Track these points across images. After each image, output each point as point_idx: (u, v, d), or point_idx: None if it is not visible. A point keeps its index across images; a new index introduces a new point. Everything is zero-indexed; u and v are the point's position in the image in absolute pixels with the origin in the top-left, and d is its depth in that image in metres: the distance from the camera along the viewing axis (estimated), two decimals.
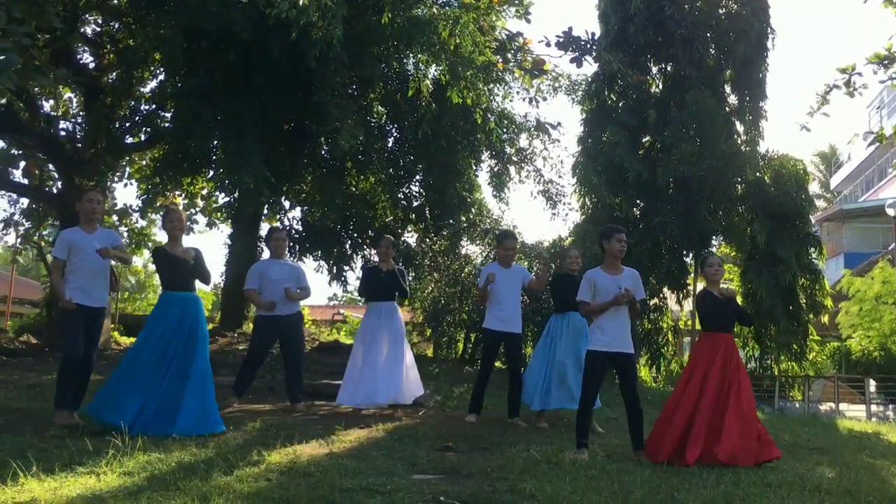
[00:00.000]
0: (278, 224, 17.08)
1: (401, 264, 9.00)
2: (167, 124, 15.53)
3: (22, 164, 16.40)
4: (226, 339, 15.16)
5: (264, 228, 18.04)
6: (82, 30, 15.79)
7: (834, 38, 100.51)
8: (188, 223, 7.27)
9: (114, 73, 16.16)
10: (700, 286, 17.87)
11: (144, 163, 18.05)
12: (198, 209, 19.12)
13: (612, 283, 6.42)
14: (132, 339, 18.48)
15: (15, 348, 12.53)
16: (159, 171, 15.97)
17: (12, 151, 16.27)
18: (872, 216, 30.90)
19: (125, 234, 20.61)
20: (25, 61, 8.90)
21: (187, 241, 7.00)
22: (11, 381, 8.88)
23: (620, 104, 17.31)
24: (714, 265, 6.79)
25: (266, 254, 17.73)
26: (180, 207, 7.43)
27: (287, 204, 17.82)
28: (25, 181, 16.88)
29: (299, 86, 13.45)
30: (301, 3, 10.15)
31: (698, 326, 6.93)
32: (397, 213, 17.13)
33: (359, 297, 8.93)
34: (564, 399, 7.92)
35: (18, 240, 20.30)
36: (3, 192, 17.73)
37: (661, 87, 17.72)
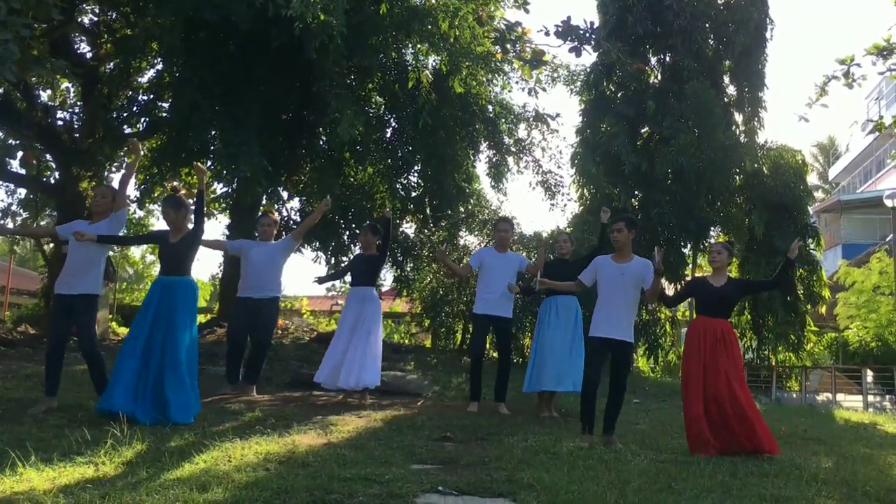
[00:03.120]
0: (272, 211, 17.02)
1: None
2: (165, 114, 15.48)
3: (19, 154, 16.34)
4: (223, 329, 15.15)
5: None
6: (80, 19, 15.72)
7: (833, 29, 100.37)
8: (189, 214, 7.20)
9: (111, 63, 16.09)
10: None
11: (142, 153, 17.98)
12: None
13: (615, 270, 6.59)
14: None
15: (13, 338, 12.52)
16: (157, 161, 15.92)
17: (10, 142, 16.22)
18: (870, 207, 30.93)
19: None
20: (24, 52, 8.87)
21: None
22: (10, 371, 8.88)
23: (619, 95, 17.31)
24: (713, 252, 6.80)
25: None
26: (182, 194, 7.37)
27: (285, 194, 17.79)
28: (23, 171, 16.83)
29: (298, 76, 13.41)
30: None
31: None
32: (396, 204, 17.11)
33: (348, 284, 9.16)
34: (554, 382, 7.98)
35: None
36: (0, 182, 17.70)
37: (659, 77, 17.71)
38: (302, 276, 79.48)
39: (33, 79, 15.02)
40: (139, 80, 16.53)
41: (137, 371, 6.42)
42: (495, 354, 13.19)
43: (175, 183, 7.87)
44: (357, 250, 17.69)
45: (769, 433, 6.38)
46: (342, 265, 9.25)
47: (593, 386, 6.50)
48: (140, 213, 19.61)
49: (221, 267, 18.40)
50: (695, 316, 6.94)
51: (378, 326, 8.64)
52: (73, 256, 6.79)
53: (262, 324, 8.47)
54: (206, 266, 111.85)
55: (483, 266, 8.27)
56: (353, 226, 17.34)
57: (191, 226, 6.95)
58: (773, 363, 18.19)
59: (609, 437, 6.46)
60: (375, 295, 8.81)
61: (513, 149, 17.34)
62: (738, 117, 17.62)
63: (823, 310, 18.67)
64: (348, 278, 9.35)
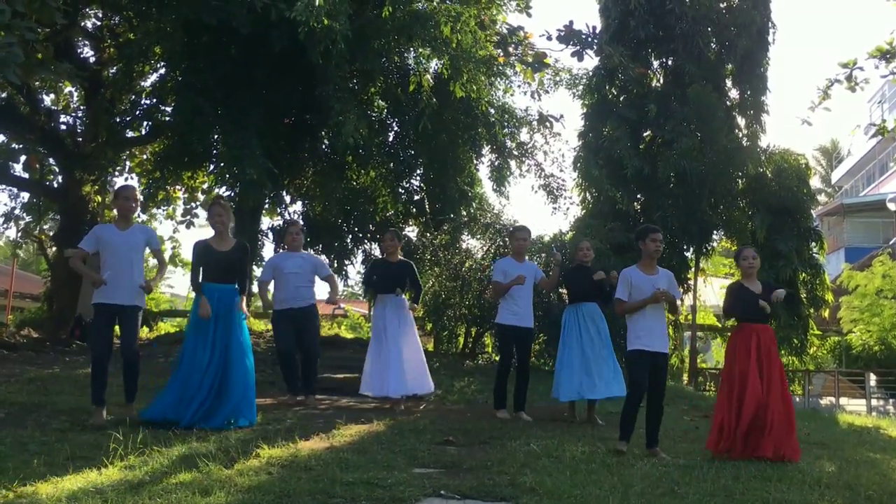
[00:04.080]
0: (294, 218, 17.01)
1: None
2: (168, 118, 15.51)
3: (23, 158, 16.40)
4: None
5: (265, 223, 18.05)
6: (83, 24, 15.78)
7: (836, 33, 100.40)
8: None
9: (114, 67, 16.15)
10: (701, 281, 17.95)
11: (145, 157, 18.03)
12: (198, 203, 19.12)
13: (647, 283, 6.50)
14: None
15: (16, 342, 12.54)
16: (160, 165, 15.96)
17: (13, 146, 16.27)
18: (873, 210, 30.90)
19: None
20: (28, 55, 8.90)
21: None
22: (13, 375, 8.88)
23: (621, 98, 17.28)
24: (748, 258, 6.73)
25: (267, 248, 17.73)
26: (225, 201, 7.46)
27: (288, 198, 17.80)
28: (26, 175, 16.89)
29: (300, 80, 13.42)
30: (317, 3, 10.18)
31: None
32: (398, 208, 17.10)
33: (360, 292, 9.07)
34: (597, 389, 8.02)
35: (19, 234, 20.31)
36: (3, 186, 17.74)
37: (661, 81, 17.69)
38: None
39: (37, 83, 15.08)
40: (142, 84, 16.57)
41: (200, 382, 6.55)
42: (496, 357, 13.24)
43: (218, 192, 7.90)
44: (360, 254, 17.80)
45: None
46: (367, 274, 9.16)
47: (640, 399, 6.44)
48: (143, 217, 19.65)
49: None
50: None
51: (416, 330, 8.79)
52: (115, 263, 6.65)
53: (308, 333, 8.60)
54: None
55: (508, 278, 8.19)
56: (356, 229, 17.34)
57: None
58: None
59: (654, 449, 6.39)
60: (405, 299, 8.78)
61: (515, 152, 17.34)
62: (741, 121, 17.58)
63: (826, 313, 18.64)
64: (354, 283, 9.30)
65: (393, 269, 8.62)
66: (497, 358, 12.25)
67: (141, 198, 7.14)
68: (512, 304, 8.19)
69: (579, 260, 8.43)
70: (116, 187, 7.34)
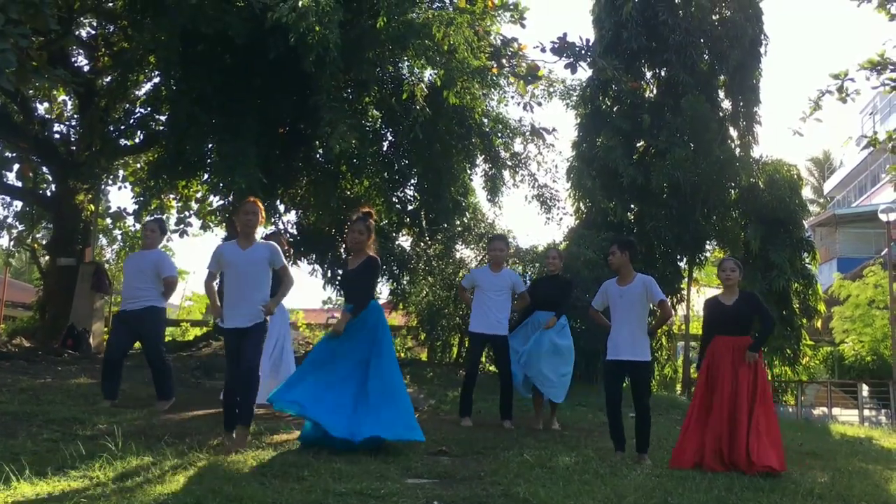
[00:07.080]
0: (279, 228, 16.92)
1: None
2: (162, 127, 15.49)
3: (16, 166, 16.38)
4: (219, 343, 15.13)
5: (259, 232, 17.95)
6: (77, 32, 15.76)
7: (827, 45, 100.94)
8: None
9: (109, 76, 16.14)
10: (694, 291, 17.98)
11: (139, 166, 18.00)
12: (192, 212, 19.10)
13: (615, 292, 6.77)
14: None
15: (8, 351, 12.46)
16: (154, 173, 15.90)
17: (6, 154, 16.23)
18: (865, 221, 31.02)
19: (119, 238, 20.54)
20: (22, 62, 8.89)
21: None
22: (4, 385, 8.82)
23: (615, 109, 17.35)
24: (726, 270, 6.69)
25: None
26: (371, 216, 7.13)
27: (282, 207, 17.77)
28: (19, 184, 16.84)
29: (295, 89, 13.43)
30: (301, 4, 10.18)
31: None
32: (392, 217, 17.09)
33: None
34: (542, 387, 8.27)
35: (12, 243, 20.24)
36: None
37: (655, 92, 17.76)
38: (299, 288, 79.28)
39: (30, 91, 15.06)
40: (136, 92, 16.55)
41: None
42: (491, 368, 13.25)
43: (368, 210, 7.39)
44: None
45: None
46: None
47: (614, 405, 6.65)
48: (137, 226, 19.58)
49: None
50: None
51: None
52: (235, 283, 6.35)
53: (148, 339, 8.31)
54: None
55: (477, 286, 8.33)
56: None
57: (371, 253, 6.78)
58: (769, 377, 18.16)
59: (641, 455, 6.56)
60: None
61: (508, 163, 17.36)
62: (734, 132, 17.67)
63: (819, 324, 18.72)
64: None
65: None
66: (491, 368, 12.30)
67: (132, 208, 6.91)
68: (479, 311, 8.24)
69: (547, 269, 8.57)
70: (240, 204, 7.04)
